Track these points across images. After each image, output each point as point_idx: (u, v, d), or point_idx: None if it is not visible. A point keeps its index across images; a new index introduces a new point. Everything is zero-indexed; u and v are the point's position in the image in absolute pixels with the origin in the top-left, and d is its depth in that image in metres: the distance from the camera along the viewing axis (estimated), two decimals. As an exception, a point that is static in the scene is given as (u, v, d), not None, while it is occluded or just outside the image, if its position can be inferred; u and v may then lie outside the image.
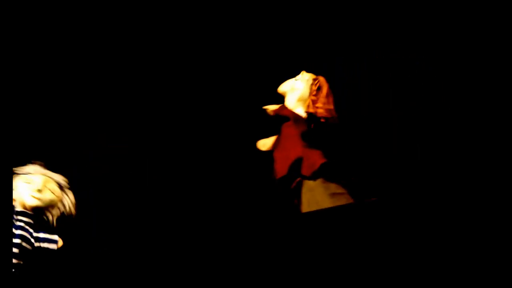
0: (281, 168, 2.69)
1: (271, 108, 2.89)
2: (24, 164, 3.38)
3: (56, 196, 3.07)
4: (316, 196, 2.59)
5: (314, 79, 2.97)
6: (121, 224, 4.10)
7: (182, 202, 4.19)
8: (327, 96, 2.93)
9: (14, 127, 4.21)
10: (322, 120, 2.80)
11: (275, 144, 2.79)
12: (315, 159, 2.66)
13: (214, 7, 4.22)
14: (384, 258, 3.34)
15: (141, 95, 4.44)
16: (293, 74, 3.09)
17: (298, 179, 2.68)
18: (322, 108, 2.87)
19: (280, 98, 3.09)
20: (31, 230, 3.19)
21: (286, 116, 2.79)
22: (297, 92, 2.92)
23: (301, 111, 2.87)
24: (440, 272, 3.42)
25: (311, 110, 2.85)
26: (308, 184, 2.63)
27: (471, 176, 3.78)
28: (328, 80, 4.21)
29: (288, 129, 2.76)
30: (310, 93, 2.90)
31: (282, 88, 2.97)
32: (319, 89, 2.93)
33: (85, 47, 4.36)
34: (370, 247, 2.54)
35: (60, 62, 4.34)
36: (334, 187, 2.63)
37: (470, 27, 3.92)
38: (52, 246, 3.36)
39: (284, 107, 2.86)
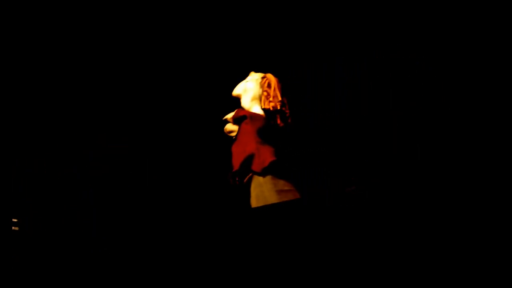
0: (236, 162, 2.88)
1: (229, 116, 3.06)
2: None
3: None
4: (264, 191, 2.76)
5: (263, 77, 3.12)
6: (120, 224, 4.10)
7: (181, 202, 4.20)
8: (277, 90, 3.07)
9: (15, 127, 4.22)
10: (277, 115, 3.03)
11: (234, 139, 3.00)
12: (266, 156, 2.82)
13: (231, 5, 4.24)
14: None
15: (141, 95, 4.44)
16: (294, 73, 3.13)
17: (250, 174, 2.84)
18: (274, 102, 3.02)
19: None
20: None
21: (244, 116, 2.96)
22: (250, 92, 3.08)
23: (257, 109, 3.04)
24: (441, 272, 3.43)
25: (266, 106, 3.02)
26: (258, 180, 2.80)
27: (471, 176, 3.78)
28: (328, 80, 4.23)
29: (246, 126, 2.93)
30: (262, 91, 3.07)
31: (236, 91, 3.15)
32: (269, 85, 3.07)
33: (85, 47, 4.36)
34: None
35: (60, 62, 4.34)
36: (282, 184, 2.78)
37: (470, 27, 3.92)
38: (15, 228, 3.52)
39: (240, 110, 3.03)
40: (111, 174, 4.24)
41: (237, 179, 2.88)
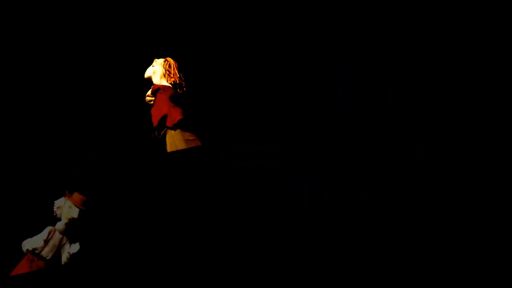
0: (154, 121, 3.91)
1: (148, 92, 4.05)
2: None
3: None
4: (176, 141, 3.80)
5: (165, 61, 4.12)
6: (121, 224, 4.10)
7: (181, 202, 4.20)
8: (175, 69, 4.08)
9: (15, 127, 4.22)
10: (177, 86, 4.05)
11: (152, 105, 4.00)
12: (176, 115, 3.84)
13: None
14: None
15: (141, 95, 4.44)
16: (294, 73, 3.14)
17: (165, 129, 3.87)
18: (174, 77, 4.05)
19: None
20: None
21: (158, 88, 3.98)
22: (158, 73, 4.11)
23: (165, 83, 4.05)
24: (444, 274, 3.43)
25: (169, 81, 4.04)
26: (170, 133, 3.85)
27: (471, 176, 3.78)
28: (328, 80, 4.23)
29: (160, 95, 3.96)
30: (165, 70, 4.08)
31: (147, 74, 4.13)
32: (169, 66, 4.10)
33: (85, 47, 4.36)
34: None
35: (60, 62, 4.35)
36: (188, 135, 3.82)
37: (470, 27, 3.92)
38: None
39: (155, 85, 4.05)
40: (111, 174, 4.24)
41: (156, 133, 3.88)
